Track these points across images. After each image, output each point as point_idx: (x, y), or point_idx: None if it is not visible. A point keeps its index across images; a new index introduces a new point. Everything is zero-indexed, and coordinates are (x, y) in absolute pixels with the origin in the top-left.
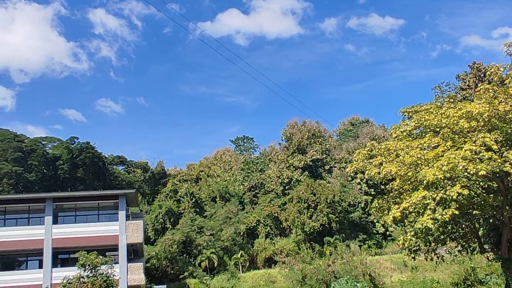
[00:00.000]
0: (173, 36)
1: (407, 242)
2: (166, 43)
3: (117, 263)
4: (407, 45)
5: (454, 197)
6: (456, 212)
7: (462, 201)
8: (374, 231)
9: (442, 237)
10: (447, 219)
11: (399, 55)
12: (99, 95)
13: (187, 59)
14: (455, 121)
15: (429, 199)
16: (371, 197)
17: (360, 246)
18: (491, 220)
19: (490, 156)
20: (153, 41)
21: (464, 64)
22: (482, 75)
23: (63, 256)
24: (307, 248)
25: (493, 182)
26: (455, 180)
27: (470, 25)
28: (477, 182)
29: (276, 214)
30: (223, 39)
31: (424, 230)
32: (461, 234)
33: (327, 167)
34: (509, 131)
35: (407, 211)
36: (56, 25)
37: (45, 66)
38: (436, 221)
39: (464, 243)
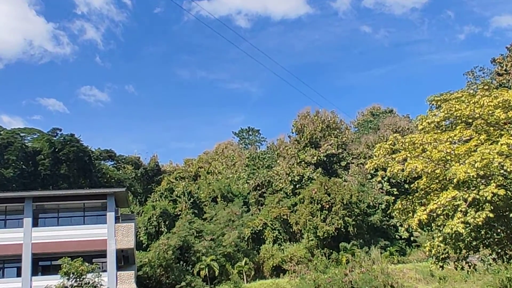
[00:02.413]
0: (167, 16)
1: (435, 249)
2: (160, 23)
3: (105, 271)
4: (431, 27)
5: (489, 197)
6: (491, 215)
7: (497, 203)
8: (396, 236)
9: (474, 243)
10: (480, 222)
11: (422, 37)
12: (82, 82)
13: (184, 40)
14: (490, 111)
15: (459, 200)
16: (393, 198)
17: (381, 253)
18: None
19: None
20: (145, 21)
21: (497, 47)
22: None
23: (44, 263)
24: (320, 255)
25: None
26: (490, 178)
27: (504, 2)
28: None
29: (285, 217)
30: (222, 20)
31: (453, 235)
32: (496, 240)
33: (343, 163)
34: None
35: (434, 214)
36: (35, 3)
37: (22, 51)
38: (468, 225)
39: (500, 250)
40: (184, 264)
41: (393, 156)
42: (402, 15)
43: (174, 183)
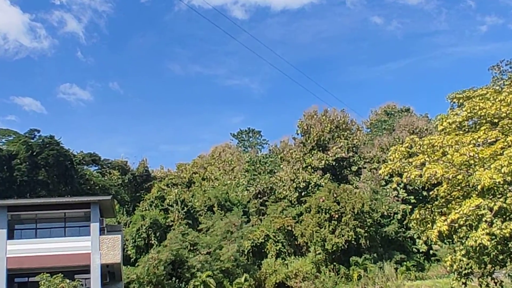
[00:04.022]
0: (156, 5)
1: (456, 264)
2: (148, 14)
3: None
4: (449, 17)
5: None
6: None
7: None
8: (414, 249)
9: (500, 257)
10: (507, 234)
11: (440, 28)
12: (62, 80)
13: (175, 32)
14: None
15: (484, 209)
16: (410, 206)
17: (396, 268)
18: None
19: None
20: (132, 11)
21: None
22: None
23: (21, 279)
24: (329, 271)
25: None
26: None
27: None
28: None
29: (289, 228)
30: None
31: (478, 248)
32: None
33: (354, 168)
34: None
35: (456, 224)
36: None
37: None
38: (494, 237)
39: None
40: (177, 280)
41: (410, 160)
42: (417, 4)
43: (165, 191)
